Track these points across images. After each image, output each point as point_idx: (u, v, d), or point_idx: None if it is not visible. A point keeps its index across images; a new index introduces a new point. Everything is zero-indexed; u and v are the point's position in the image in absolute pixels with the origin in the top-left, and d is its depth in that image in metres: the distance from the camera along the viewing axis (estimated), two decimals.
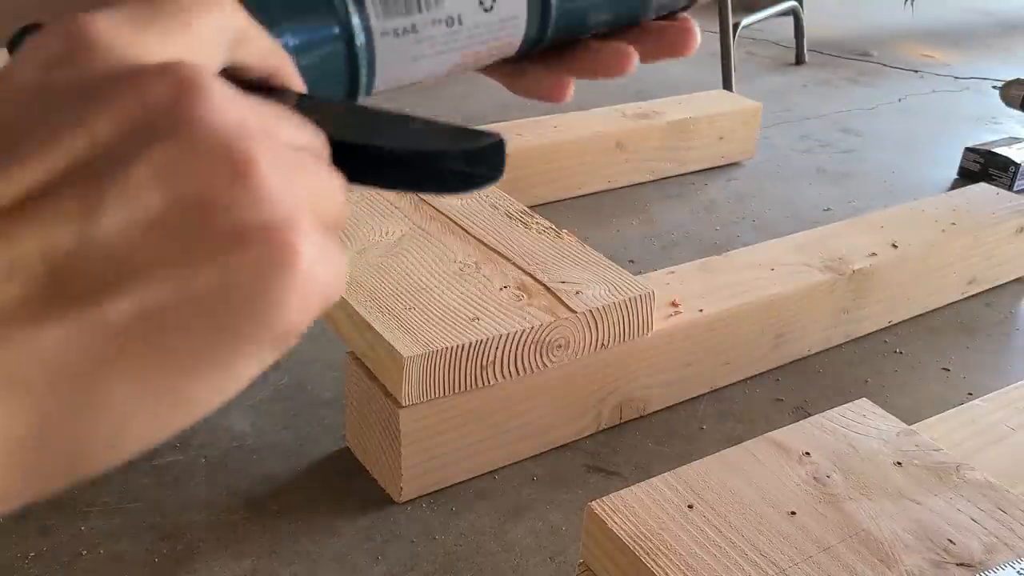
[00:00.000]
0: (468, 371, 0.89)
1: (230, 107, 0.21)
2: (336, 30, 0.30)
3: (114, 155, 0.20)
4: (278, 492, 0.94)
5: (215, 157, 0.20)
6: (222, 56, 0.24)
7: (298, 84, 0.27)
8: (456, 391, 0.89)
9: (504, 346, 0.90)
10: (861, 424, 0.77)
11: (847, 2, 3.18)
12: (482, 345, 0.88)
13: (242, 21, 0.25)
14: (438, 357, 0.86)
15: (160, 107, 0.20)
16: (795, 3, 2.35)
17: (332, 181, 0.23)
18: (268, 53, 0.26)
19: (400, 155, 0.25)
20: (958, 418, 0.88)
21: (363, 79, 0.32)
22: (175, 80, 0.20)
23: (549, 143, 1.56)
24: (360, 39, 0.31)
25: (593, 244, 1.10)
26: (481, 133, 0.25)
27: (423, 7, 0.31)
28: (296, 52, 0.30)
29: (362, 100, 0.33)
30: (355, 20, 0.30)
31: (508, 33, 0.34)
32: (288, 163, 0.21)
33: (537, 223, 1.12)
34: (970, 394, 1.13)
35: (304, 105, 0.25)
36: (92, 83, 0.21)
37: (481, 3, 0.33)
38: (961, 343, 1.26)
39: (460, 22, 0.32)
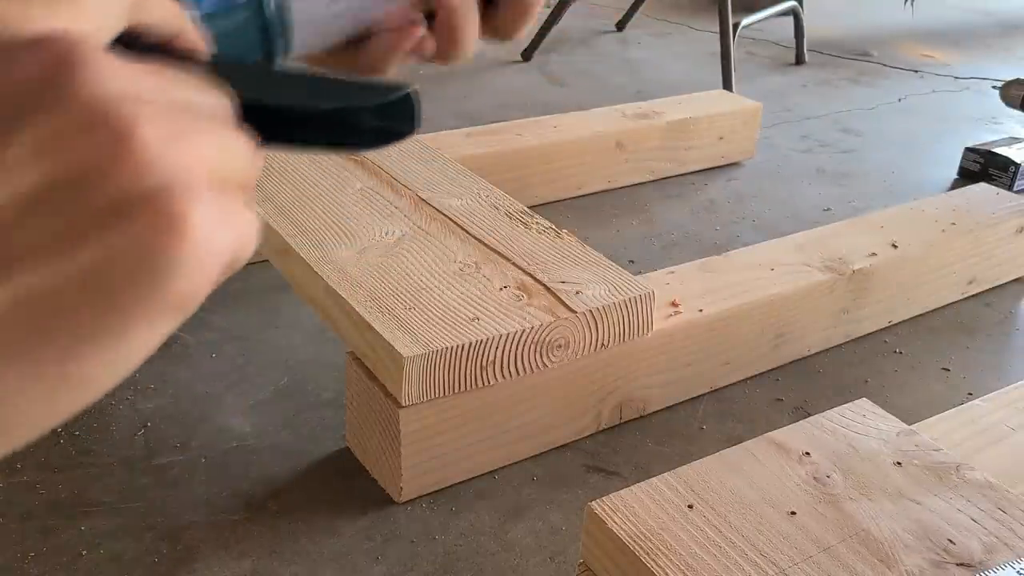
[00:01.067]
0: (468, 371, 0.89)
1: (110, 75, 0.20)
2: None
3: None
4: (278, 492, 0.94)
5: (92, 127, 0.19)
6: (117, 22, 0.23)
7: (203, 46, 0.26)
8: (456, 391, 0.89)
9: (504, 346, 0.90)
10: (861, 424, 0.77)
11: (847, 2, 3.18)
12: (482, 345, 0.88)
13: None
14: (438, 357, 0.86)
15: (33, 81, 0.19)
16: (795, 3, 2.35)
17: (234, 141, 0.23)
18: (171, 15, 0.25)
19: (314, 113, 0.25)
20: (958, 418, 0.88)
21: (278, 40, 0.31)
22: (49, 53, 0.20)
23: (549, 143, 1.56)
24: (271, 3, 0.30)
25: (593, 244, 1.10)
26: (393, 86, 0.25)
27: None
28: (208, 18, 0.29)
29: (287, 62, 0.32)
30: None
31: None
32: (179, 125, 0.21)
33: (537, 223, 1.12)
34: (970, 394, 1.13)
35: (211, 68, 0.25)
36: None
37: None
38: (961, 343, 1.26)
39: None
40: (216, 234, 0.21)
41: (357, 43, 0.34)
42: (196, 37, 0.26)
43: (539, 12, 0.37)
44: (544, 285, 0.98)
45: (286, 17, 0.31)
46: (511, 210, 1.15)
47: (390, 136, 0.25)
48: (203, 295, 0.21)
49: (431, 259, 1.02)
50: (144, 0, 0.24)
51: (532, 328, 0.91)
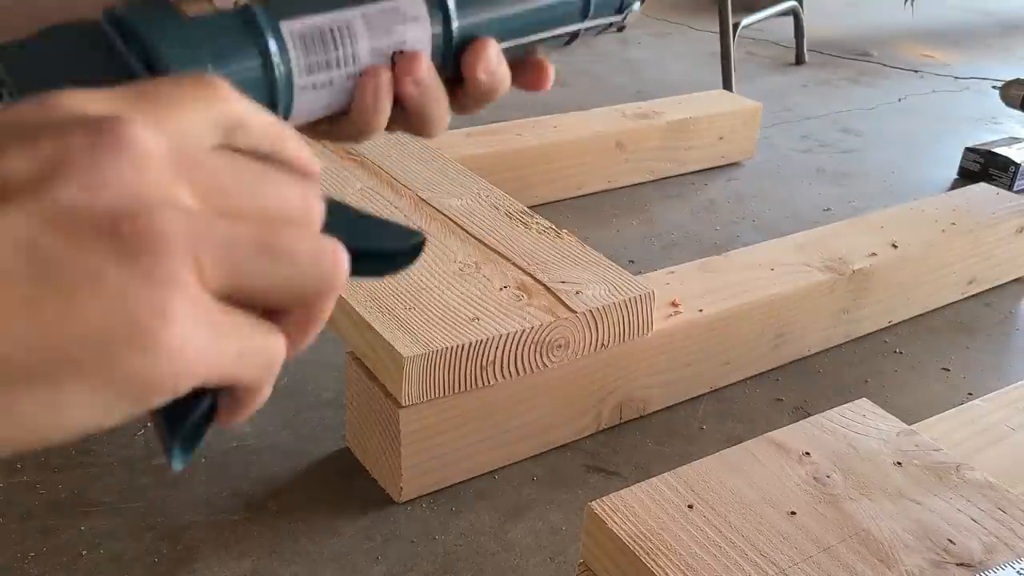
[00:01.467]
0: (468, 371, 0.89)
1: (149, 161, 0.21)
2: (262, 79, 0.33)
3: (17, 184, 0.20)
4: (278, 492, 0.94)
5: (110, 216, 0.20)
6: (209, 140, 0.25)
7: (297, 158, 0.28)
8: (456, 391, 0.89)
9: (504, 346, 0.90)
10: (861, 424, 0.77)
11: (847, 2, 3.18)
12: (482, 345, 0.88)
13: (236, 111, 0.25)
14: (438, 357, 0.86)
15: (74, 150, 0.21)
16: (795, 3, 2.35)
17: (264, 342, 0.24)
18: (265, 134, 0.26)
19: (370, 253, 0.28)
20: (958, 418, 0.88)
21: (281, 102, 0.35)
22: (96, 128, 0.21)
23: (549, 143, 1.56)
24: (283, 98, 0.34)
25: (593, 244, 1.10)
26: (410, 231, 0.29)
27: (340, 64, 0.35)
28: (218, 64, 0.32)
29: None
30: (278, 73, 0.34)
31: None
32: (214, 327, 0.22)
33: (537, 223, 1.12)
34: (970, 394, 1.13)
35: None
36: (32, 126, 0.21)
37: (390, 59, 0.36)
38: (961, 343, 1.26)
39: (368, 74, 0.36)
40: (197, 347, 0.21)
41: (338, 117, 0.37)
42: (290, 150, 0.27)
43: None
44: (544, 285, 0.98)
45: (292, 83, 0.34)
46: (511, 210, 1.15)
47: (395, 270, 0.29)
48: (163, 395, 0.21)
49: (431, 259, 1.02)
50: (238, 123, 0.25)
51: (532, 328, 0.91)
